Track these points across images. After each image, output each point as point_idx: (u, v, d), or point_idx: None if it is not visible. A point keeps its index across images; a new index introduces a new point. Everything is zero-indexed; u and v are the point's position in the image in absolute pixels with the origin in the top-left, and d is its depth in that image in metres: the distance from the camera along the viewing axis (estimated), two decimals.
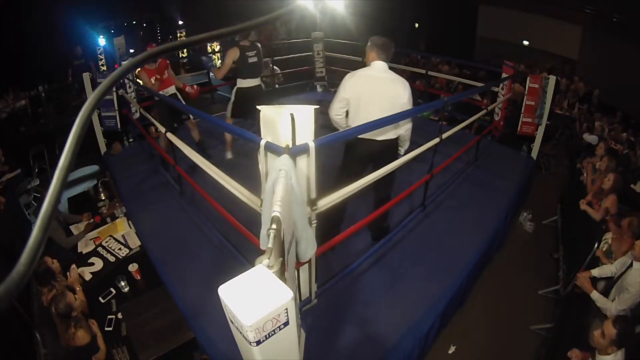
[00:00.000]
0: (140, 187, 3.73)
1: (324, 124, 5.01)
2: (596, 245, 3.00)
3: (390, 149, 2.50)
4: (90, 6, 7.95)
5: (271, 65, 6.18)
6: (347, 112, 2.43)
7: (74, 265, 2.78)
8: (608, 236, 3.05)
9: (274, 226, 1.02)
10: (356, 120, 2.32)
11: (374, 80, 2.31)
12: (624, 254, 2.66)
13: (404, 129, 2.46)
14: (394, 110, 2.22)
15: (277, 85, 6.31)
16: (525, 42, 9.40)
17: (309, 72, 6.42)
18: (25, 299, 2.61)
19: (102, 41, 8.00)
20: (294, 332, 0.84)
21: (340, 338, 2.14)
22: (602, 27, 7.88)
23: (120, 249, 3.21)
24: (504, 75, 4.30)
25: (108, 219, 3.61)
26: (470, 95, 4.84)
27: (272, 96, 5.90)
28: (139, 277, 2.88)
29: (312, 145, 1.68)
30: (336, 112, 2.40)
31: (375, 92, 2.29)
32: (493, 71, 4.87)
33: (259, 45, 3.72)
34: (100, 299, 2.74)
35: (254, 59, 3.69)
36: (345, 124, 2.45)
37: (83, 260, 3.11)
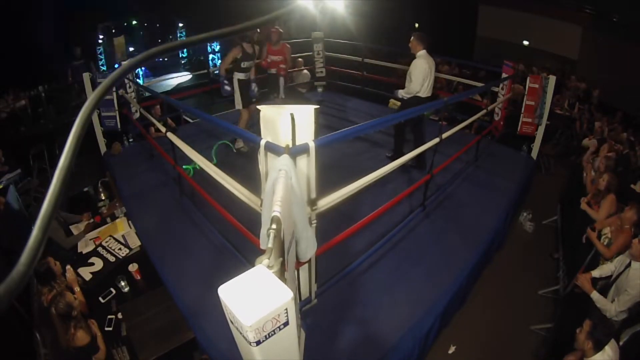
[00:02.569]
0: (140, 187, 3.72)
1: (324, 123, 5.02)
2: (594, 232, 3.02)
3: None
4: (90, 6, 7.95)
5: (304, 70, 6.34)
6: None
7: (69, 266, 2.77)
8: (607, 230, 3.05)
9: (274, 226, 1.02)
10: (424, 86, 3.55)
11: (430, 61, 3.55)
12: (622, 245, 2.66)
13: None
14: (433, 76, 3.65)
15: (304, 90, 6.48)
16: (525, 42, 9.40)
17: (309, 72, 6.42)
18: (25, 299, 2.61)
19: (102, 41, 8.01)
20: (294, 332, 0.84)
21: (340, 338, 2.14)
22: (602, 27, 7.88)
23: (120, 249, 3.20)
24: (504, 75, 4.30)
25: (108, 219, 3.61)
26: (470, 95, 4.84)
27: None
28: (139, 277, 2.88)
29: (312, 145, 1.68)
30: (421, 85, 3.51)
31: (432, 68, 3.57)
32: (493, 71, 4.87)
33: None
34: (100, 299, 2.73)
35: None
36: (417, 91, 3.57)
37: (83, 260, 3.11)
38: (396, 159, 2.82)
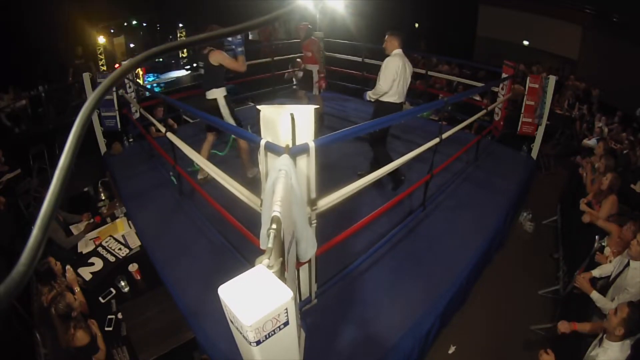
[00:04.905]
0: (140, 187, 3.72)
1: (324, 123, 5.01)
2: (596, 241, 3.02)
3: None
4: (90, 6, 7.95)
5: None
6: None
7: (69, 266, 2.77)
8: (605, 239, 3.05)
9: (274, 226, 1.02)
10: (394, 88, 3.22)
11: (405, 62, 3.22)
12: (619, 253, 2.67)
13: None
14: (409, 79, 3.32)
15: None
16: (525, 42, 9.40)
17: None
18: (25, 299, 2.61)
19: (102, 41, 8.02)
20: (294, 332, 0.84)
21: (340, 338, 2.14)
22: (602, 27, 7.88)
23: (120, 249, 3.20)
24: (504, 75, 4.30)
25: (108, 219, 3.61)
26: (470, 95, 4.84)
27: (273, 96, 5.91)
28: (139, 277, 2.88)
29: (312, 145, 1.68)
30: (390, 85, 3.19)
31: (405, 70, 3.23)
32: (493, 71, 4.87)
33: (209, 57, 3.23)
34: (100, 299, 2.73)
35: (201, 71, 3.39)
36: (382, 95, 3.28)
37: (83, 260, 3.11)
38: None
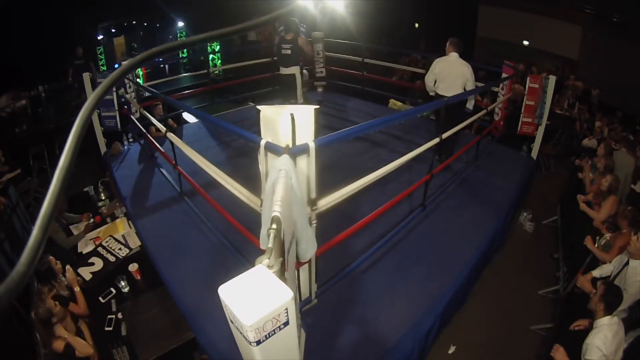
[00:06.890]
0: (140, 187, 3.72)
1: (324, 123, 5.02)
2: (596, 240, 3.02)
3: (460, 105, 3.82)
4: (90, 6, 7.95)
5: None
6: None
7: (69, 266, 2.77)
8: (607, 235, 3.06)
9: (274, 226, 1.02)
10: (440, 86, 3.80)
11: (450, 63, 3.75)
12: (621, 248, 2.67)
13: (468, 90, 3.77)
14: (461, 81, 3.72)
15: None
16: (525, 42, 9.40)
17: (309, 72, 6.41)
18: (25, 299, 2.61)
19: (102, 41, 8.02)
20: (294, 332, 0.84)
21: (340, 338, 2.14)
22: (602, 27, 7.88)
23: (120, 249, 3.20)
24: (504, 75, 4.29)
25: (108, 219, 3.61)
26: (471, 95, 4.83)
27: (272, 96, 5.91)
28: (139, 277, 2.88)
29: (312, 145, 1.68)
30: (430, 81, 3.87)
31: (450, 70, 3.73)
32: (493, 71, 4.87)
33: (298, 41, 4.30)
34: (100, 299, 2.73)
35: (287, 52, 4.33)
36: (434, 88, 3.87)
37: (83, 260, 3.11)
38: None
